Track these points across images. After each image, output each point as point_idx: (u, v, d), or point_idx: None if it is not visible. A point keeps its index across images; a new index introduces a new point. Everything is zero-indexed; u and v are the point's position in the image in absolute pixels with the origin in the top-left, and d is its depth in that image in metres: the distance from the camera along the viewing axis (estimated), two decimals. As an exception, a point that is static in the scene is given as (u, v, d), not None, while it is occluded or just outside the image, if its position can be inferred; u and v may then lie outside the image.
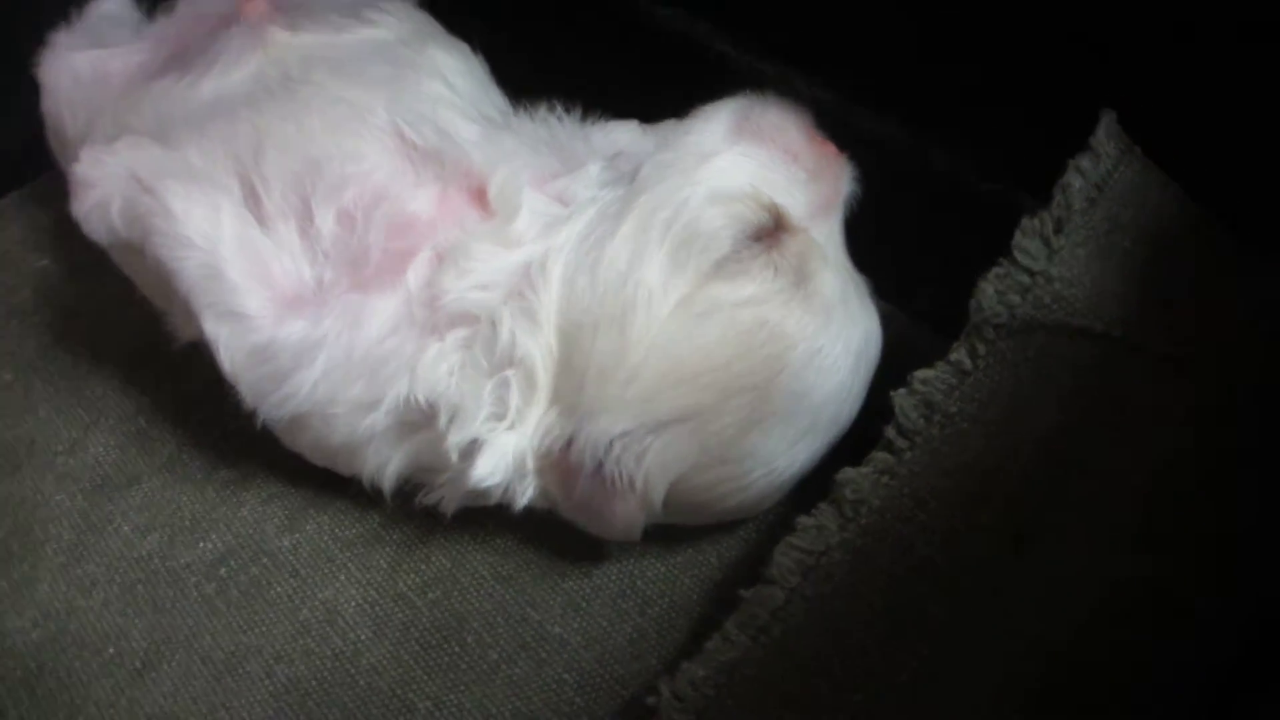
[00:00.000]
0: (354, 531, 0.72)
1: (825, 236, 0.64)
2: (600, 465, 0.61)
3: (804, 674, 0.59)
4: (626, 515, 0.62)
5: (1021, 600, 0.57)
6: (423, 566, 0.70)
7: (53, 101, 0.81)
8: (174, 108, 0.73)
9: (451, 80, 0.76)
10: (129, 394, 0.80)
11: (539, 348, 0.62)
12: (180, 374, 0.77)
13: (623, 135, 0.76)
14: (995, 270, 0.60)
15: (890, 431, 0.61)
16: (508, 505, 0.64)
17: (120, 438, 0.78)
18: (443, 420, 0.63)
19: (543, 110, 0.77)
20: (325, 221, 0.66)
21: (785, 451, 0.62)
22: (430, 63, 0.76)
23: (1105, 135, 0.63)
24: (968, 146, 0.77)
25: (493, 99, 0.79)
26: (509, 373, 0.62)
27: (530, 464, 0.63)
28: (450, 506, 0.67)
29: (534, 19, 1.01)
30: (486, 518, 0.68)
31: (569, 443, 0.61)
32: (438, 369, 0.63)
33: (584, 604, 0.67)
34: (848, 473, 0.61)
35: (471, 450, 0.63)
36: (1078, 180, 0.60)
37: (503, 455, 0.62)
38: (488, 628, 0.67)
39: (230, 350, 0.64)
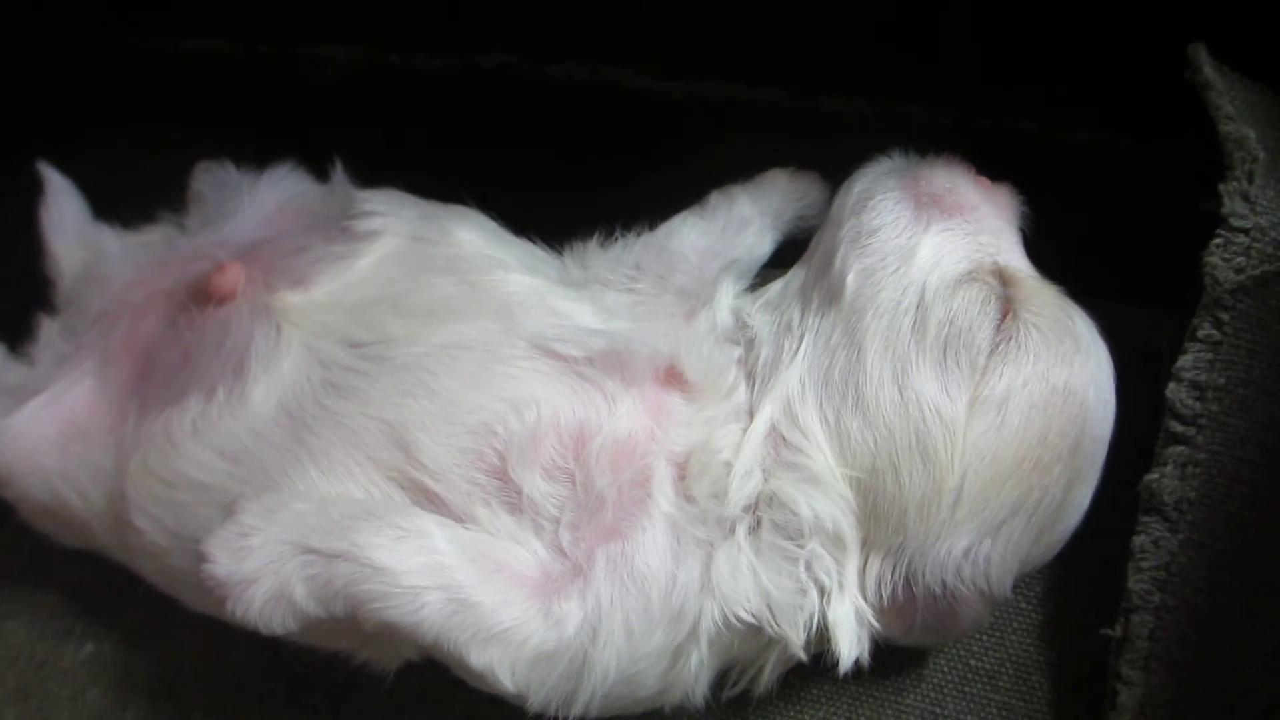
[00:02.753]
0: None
1: (1030, 266, 0.63)
2: (944, 586, 0.59)
3: (1201, 678, 0.60)
4: (974, 617, 0.60)
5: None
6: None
7: (39, 484, 0.67)
8: (231, 436, 0.62)
9: (514, 260, 0.68)
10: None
11: (835, 507, 0.58)
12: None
13: (688, 235, 0.72)
14: (1215, 242, 0.61)
15: (1173, 425, 0.62)
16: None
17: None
18: (769, 627, 0.58)
19: (580, 249, 0.73)
20: (534, 487, 0.58)
21: (1092, 490, 0.62)
22: (478, 251, 0.68)
23: (1212, 69, 0.65)
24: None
25: (539, 255, 0.73)
26: (813, 544, 0.58)
27: (870, 618, 0.60)
28: (766, 684, 0.63)
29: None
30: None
31: (907, 582, 0.59)
32: (738, 579, 0.58)
33: (936, 710, 0.66)
34: (1153, 479, 0.62)
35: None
36: (1233, 126, 0.62)
37: (853, 627, 0.58)
38: (867, 781, 0.65)
39: (511, 670, 0.56)
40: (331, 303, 0.65)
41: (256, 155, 0.86)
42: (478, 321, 0.62)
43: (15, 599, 0.77)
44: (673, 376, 0.62)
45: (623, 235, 0.74)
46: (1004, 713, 0.65)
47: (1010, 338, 0.58)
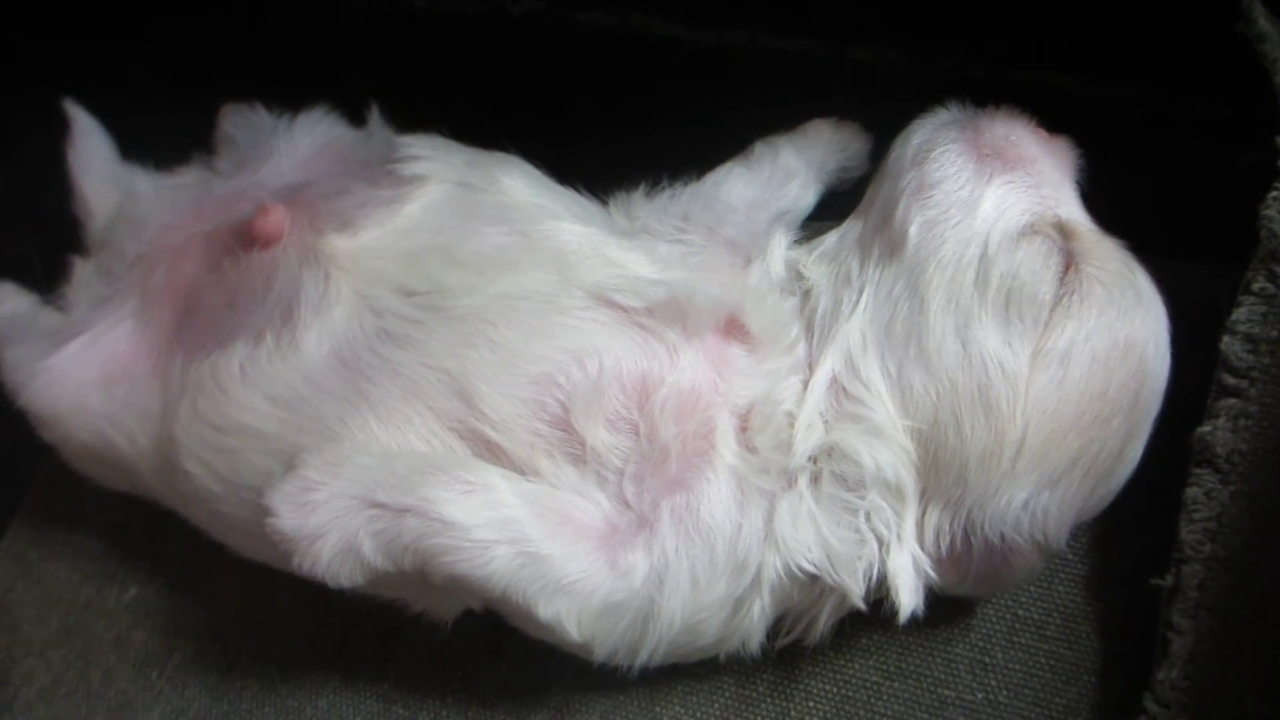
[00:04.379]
0: (730, 695, 0.68)
1: (1089, 219, 0.63)
2: (1002, 538, 0.59)
3: (1250, 626, 0.61)
4: (1029, 568, 0.61)
5: None
6: (817, 705, 0.67)
7: (83, 426, 0.67)
8: (284, 382, 0.61)
9: (563, 209, 0.67)
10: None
11: (896, 459, 0.59)
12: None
13: (735, 186, 0.72)
14: (1271, 195, 0.61)
15: (1225, 377, 0.62)
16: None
17: None
18: (829, 577, 0.59)
19: (625, 199, 0.72)
20: (598, 438, 0.58)
21: (1145, 441, 0.62)
22: (527, 200, 0.67)
23: (1266, 19, 0.64)
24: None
25: (585, 204, 0.72)
26: (873, 495, 0.59)
27: (928, 568, 0.60)
28: (821, 632, 0.63)
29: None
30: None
31: (965, 534, 0.59)
32: (799, 529, 0.59)
33: (985, 659, 0.67)
34: (1205, 431, 0.62)
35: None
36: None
37: (912, 577, 0.59)
38: (916, 728, 0.65)
39: (578, 621, 0.57)
40: (381, 249, 0.64)
41: (282, 99, 0.85)
42: (533, 271, 0.62)
43: (56, 541, 0.77)
44: (734, 328, 0.62)
45: (668, 185, 0.75)
46: (1052, 661, 0.66)
47: (1073, 291, 0.58)
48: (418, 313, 0.61)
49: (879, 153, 0.79)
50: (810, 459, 0.59)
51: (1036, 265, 0.58)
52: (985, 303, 0.58)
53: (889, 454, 0.58)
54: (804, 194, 0.74)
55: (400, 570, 0.57)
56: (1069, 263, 0.58)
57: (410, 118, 0.85)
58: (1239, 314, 0.62)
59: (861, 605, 0.59)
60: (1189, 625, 0.61)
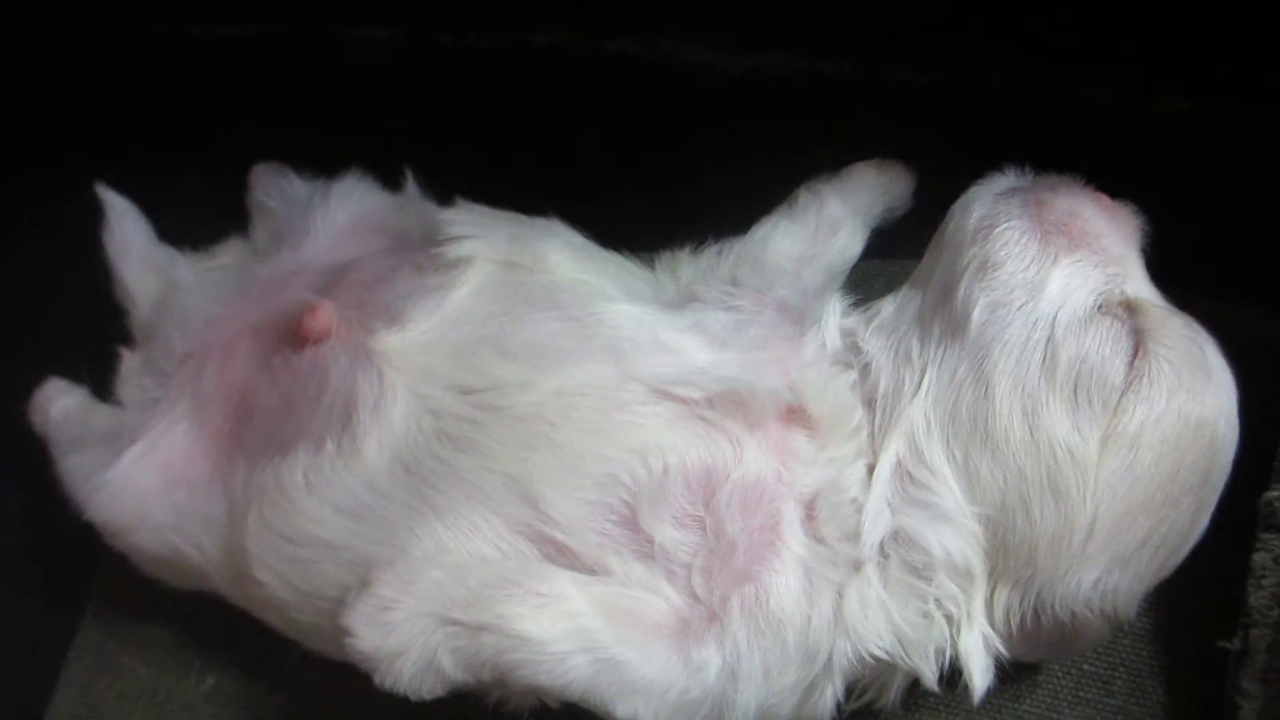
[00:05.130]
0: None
1: (1155, 291, 0.62)
2: (1073, 615, 0.60)
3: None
4: (1098, 638, 0.62)
5: None
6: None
7: (150, 536, 0.68)
8: (349, 491, 0.62)
9: (611, 285, 0.67)
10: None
11: (964, 544, 0.59)
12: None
13: (781, 243, 0.71)
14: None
15: (1293, 439, 0.62)
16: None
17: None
18: (901, 661, 0.60)
19: (670, 260, 0.72)
20: (665, 535, 0.58)
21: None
22: (574, 278, 0.67)
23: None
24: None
25: (631, 270, 0.71)
26: (942, 578, 0.59)
27: (998, 645, 0.61)
28: (892, 701, 0.64)
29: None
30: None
31: (1035, 612, 0.60)
32: (869, 616, 0.59)
33: (1052, 715, 0.68)
34: (1274, 496, 0.63)
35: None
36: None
37: (983, 656, 0.60)
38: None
39: (655, 716, 0.57)
40: (432, 343, 0.64)
41: (310, 148, 0.84)
42: (589, 364, 0.62)
43: (128, 634, 0.78)
44: (795, 414, 0.62)
45: (713, 242, 0.74)
46: (1119, 717, 0.67)
47: (1143, 375, 0.57)
48: (476, 413, 0.61)
49: (921, 190, 0.79)
50: (878, 547, 0.60)
51: (1105, 349, 0.58)
52: (1053, 387, 0.57)
53: (957, 539, 0.59)
54: (851, 243, 0.74)
55: (479, 681, 0.58)
56: (1138, 343, 0.58)
57: (434, 157, 0.85)
58: (1304, 372, 0.62)
59: (935, 688, 0.60)
60: (1257, 689, 0.62)
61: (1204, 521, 0.60)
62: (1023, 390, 0.58)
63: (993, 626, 0.60)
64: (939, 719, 0.68)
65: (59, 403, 0.75)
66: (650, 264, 0.74)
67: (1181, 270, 0.73)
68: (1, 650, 0.79)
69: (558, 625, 0.56)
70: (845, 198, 0.74)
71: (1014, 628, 0.60)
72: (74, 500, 0.68)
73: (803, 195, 0.75)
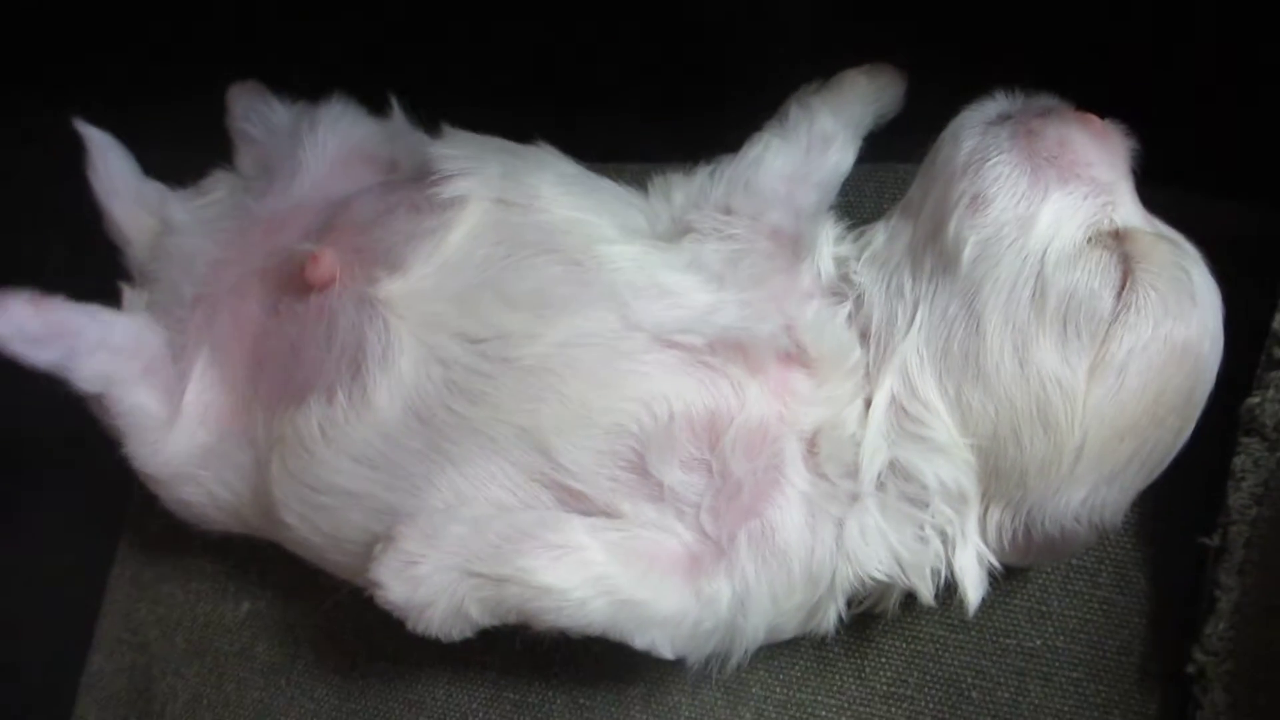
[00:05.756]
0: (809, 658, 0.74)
1: (1145, 213, 0.62)
2: (1062, 529, 0.63)
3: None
4: (1086, 544, 0.65)
5: None
6: (889, 661, 0.73)
7: (194, 488, 0.71)
8: (365, 441, 0.64)
9: (607, 221, 0.67)
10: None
11: (958, 471, 0.61)
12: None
13: (774, 163, 0.71)
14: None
15: (1276, 350, 0.64)
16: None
17: None
18: (899, 581, 0.63)
19: (664, 183, 0.72)
20: (673, 478, 0.61)
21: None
22: (570, 216, 0.67)
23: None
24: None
25: (625, 200, 0.71)
26: (937, 502, 0.62)
27: (991, 559, 0.64)
28: (889, 607, 0.68)
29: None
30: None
31: (1027, 528, 0.63)
32: (869, 543, 0.63)
33: (1042, 608, 0.72)
34: (1254, 402, 0.65)
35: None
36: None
37: (977, 571, 0.63)
38: (981, 676, 0.72)
39: (671, 644, 0.62)
40: (434, 289, 0.65)
41: (280, 67, 0.82)
42: (592, 312, 0.63)
43: (164, 562, 0.82)
44: (794, 354, 0.63)
45: (706, 162, 0.73)
46: (1105, 607, 0.71)
47: (1130, 304, 0.58)
48: (484, 364, 0.63)
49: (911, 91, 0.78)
50: (876, 479, 0.62)
51: (1094, 282, 0.59)
52: (1043, 322, 0.59)
53: (951, 468, 0.61)
54: (844, 156, 0.73)
55: (505, 622, 0.62)
56: (1125, 272, 0.59)
57: (415, 61, 0.82)
58: (1291, 289, 0.63)
59: (932, 603, 0.64)
60: (1235, 582, 0.66)
61: (1188, 433, 0.62)
62: (1013, 326, 0.59)
63: (986, 542, 0.63)
64: (936, 616, 0.72)
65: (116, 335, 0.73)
66: (644, 183, 0.74)
67: (1171, 167, 0.73)
68: (47, 576, 0.83)
69: (576, 574, 0.59)
70: (836, 110, 0.73)
71: (1006, 543, 0.63)
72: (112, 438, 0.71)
73: (793, 110, 0.74)
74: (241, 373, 0.70)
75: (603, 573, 0.59)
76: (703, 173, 0.73)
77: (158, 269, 0.76)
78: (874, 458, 0.62)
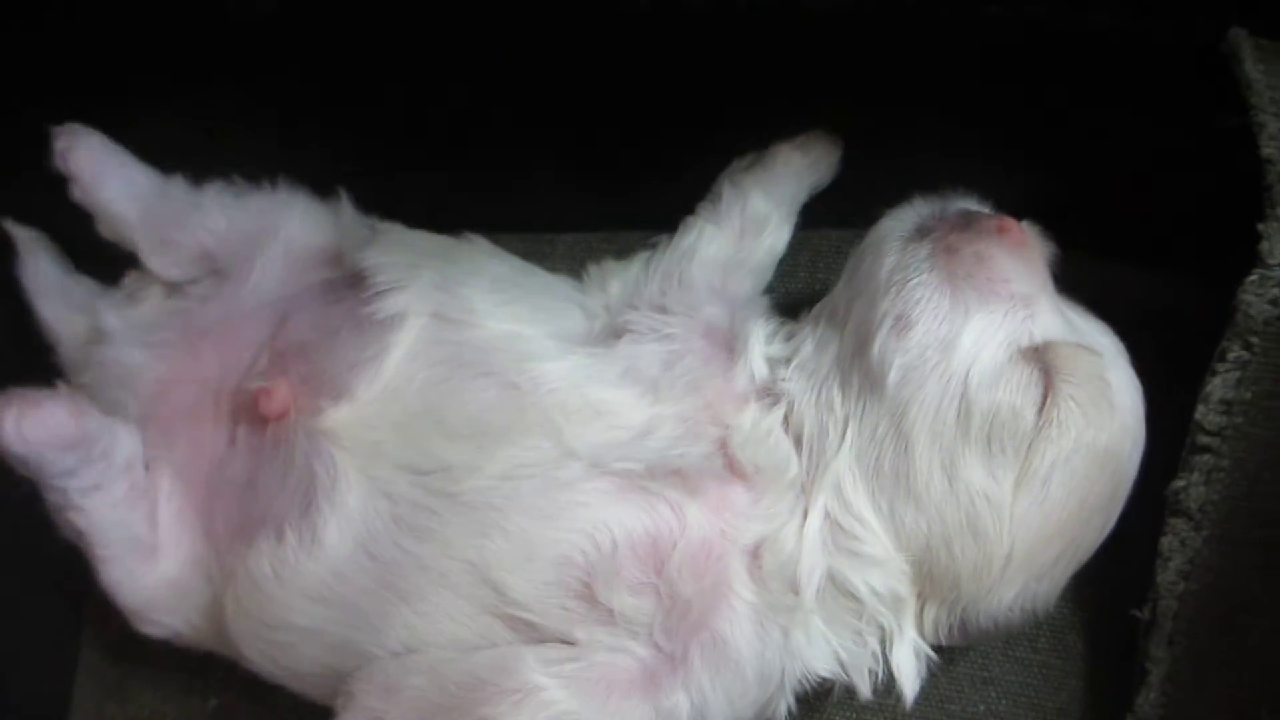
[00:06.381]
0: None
1: (1065, 316, 0.63)
2: (997, 623, 0.65)
3: (1218, 645, 0.68)
4: (1021, 626, 0.68)
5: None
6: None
7: (163, 624, 0.71)
8: (315, 579, 0.64)
9: (540, 333, 0.68)
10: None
11: (893, 579, 0.63)
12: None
13: (707, 250, 0.72)
14: (1249, 280, 0.61)
15: (1200, 438, 0.65)
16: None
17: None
18: (840, 679, 0.65)
19: (599, 273, 0.73)
20: (622, 604, 0.62)
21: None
22: (504, 331, 0.67)
23: (1254, 62, 0.61)
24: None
25: (559, 295, 0.71)
26: (874, 607, 0.64)
27: (928, 651, 0.66)
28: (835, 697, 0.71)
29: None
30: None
31: (964, 623, 0.65)
32: (813, 644, 0.64)
33: (984, 674, 0.75)
34: (1180, 486, 0.67)
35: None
36: (1274, 148, 0.59)
37: (914, 666, 0.65)
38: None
39: None
40: (376, 417, 0.65)
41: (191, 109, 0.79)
42: (528, 440, 0.63)
43: (132, 658, 0.82)
44: (732, 468, 0.64)
45: (642, 246, 0.74)
46: (1044, 671, 0.74)
47: (1051, 419, 0.60)
48: (429, 498, 0.63)
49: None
50: (815, 591, 0.64)
51: (1016, 400, 0.60)
52: (968, 441, 0.60)
53: (885, 579, 0.63)
54: (779, 238, 0.74)
55: None
56: (1047, 386, 0.60)
57: (344, 121, 0.80)
58: (1214, 384, 0.65)
59: (869, 697, 0.66)
60: (1164, 654, 0.68)
61: (1113, 523, 0.64)
62: (940, 445, 0.60)
63: (923, 636, 0.65)
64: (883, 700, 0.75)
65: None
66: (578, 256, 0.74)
67: (1107, 238, 0.73)
68: (15, 678, 0.84)
69: (538, 716, 0.60)
70: (768, 190, 0.74)
71: (944, 635, 0.65)
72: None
73: (725, 191, 0.74)
74: (197, 501, 0.70)
75: (564, 710, 0.60)
76: (639, 262, 0.73)
77: (93, 379, 0.74)
78: (812, 573, 0.63)
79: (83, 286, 0.78)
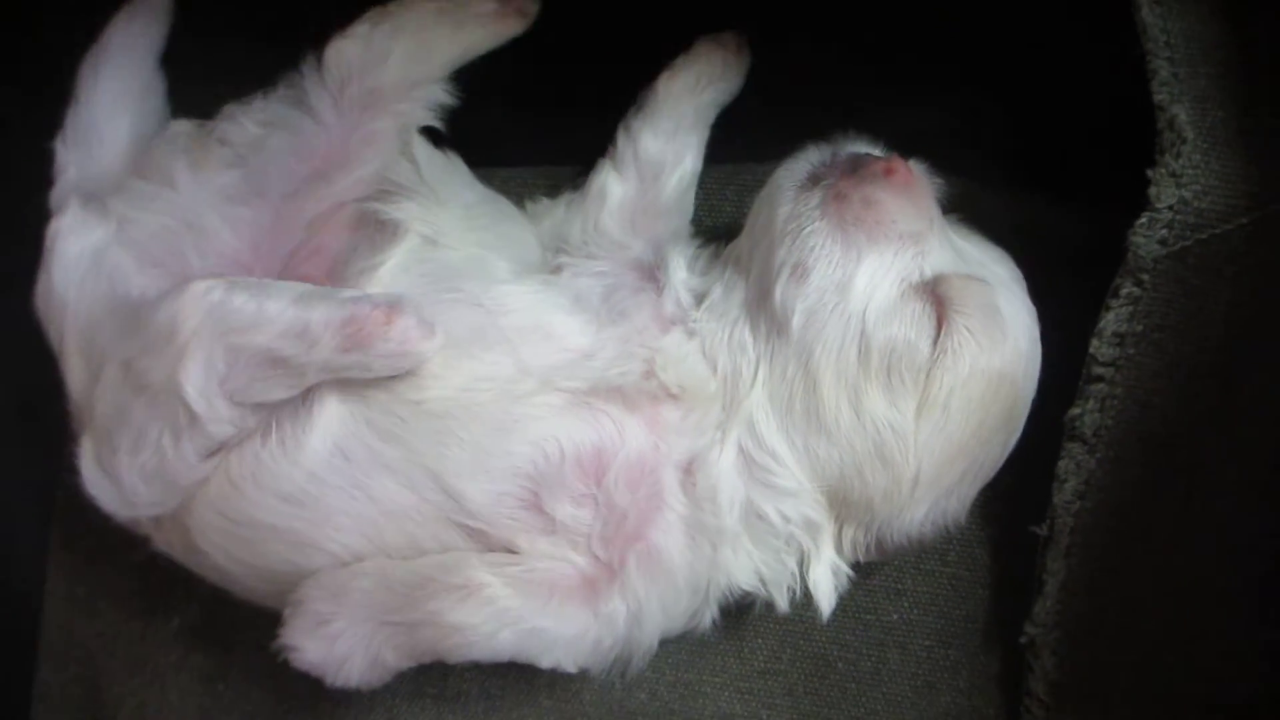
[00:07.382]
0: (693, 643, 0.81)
1: (956, 248, 0.67)
2: (910, 539, 0.70)
3: (1109, 559, 0.73)
4: (933, 541, 0.73)
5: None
6: (764, 642, 0.81)
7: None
8: (289, 479, 0.66)
9: (502, 259, 0.72)
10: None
11: (808, 508, 0.68)
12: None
13: (613, 198, 0.77)
14: (1139, 222, 0.65)
15: (1094, 369, 0.70)
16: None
17: None
18: (761, 593, 0.71)
19: (534, 211, 0.77)
20: (564, 514, 0.66)
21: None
22: (474, 256, 0.71)
23: (1150, 6, 0.63)
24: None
25: (516, 221, 0.76)
26: (794, 531, 0.69)
27: (845, 569, 0.71)
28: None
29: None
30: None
31: (879, 542, 0.70)
32: (739, 559, 0.70)
33: (898, 585, 0.80)
34: (1075, 414, 0.71)
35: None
36: (1166, 93, 0.62)
37: (830, 584, 0.70)
38: (845, 649, 0.81)
39: (574, 661, 0.67)
40: None
41: None
42: (488, 356, 0.67)
43: (95, 580, 0.86)
44: (664, 390, 0.68)
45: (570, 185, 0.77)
46: (953, 582, 0.80)
47: (945, 349, 0.64)
48: (397, 404, 0.66)
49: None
50: (738, 513, 0.68)
51: (910, 333, 0.64)
52: (870, 375, 0.64)
53: (799, 507, 0.68)
54: (683, 171, 0.78)
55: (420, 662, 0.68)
56: (940, 317, 0.64)
57: None
58: (1107, 319, 0.68)
59: (787, 611, 0.71)
60: (1060, 566, 0.74)
61: (1014, 441, 0.69)
62: (845, 381, 0.65)
63: (842, 556, 0.71)
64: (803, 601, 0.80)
65: None
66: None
67: (1016, 169, 0.76)
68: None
69: (482, 610, 0.64)
70: (656, 127, 0.77)
71: (861, 554, 0.71)
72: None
73: (619, 136, 0.77)
74: None
75: (506, 606, 0.65)
76: (562, 204, 0.77)
77: (142, 217, 0.72)
78: (732, 500, 0.68)
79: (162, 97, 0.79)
